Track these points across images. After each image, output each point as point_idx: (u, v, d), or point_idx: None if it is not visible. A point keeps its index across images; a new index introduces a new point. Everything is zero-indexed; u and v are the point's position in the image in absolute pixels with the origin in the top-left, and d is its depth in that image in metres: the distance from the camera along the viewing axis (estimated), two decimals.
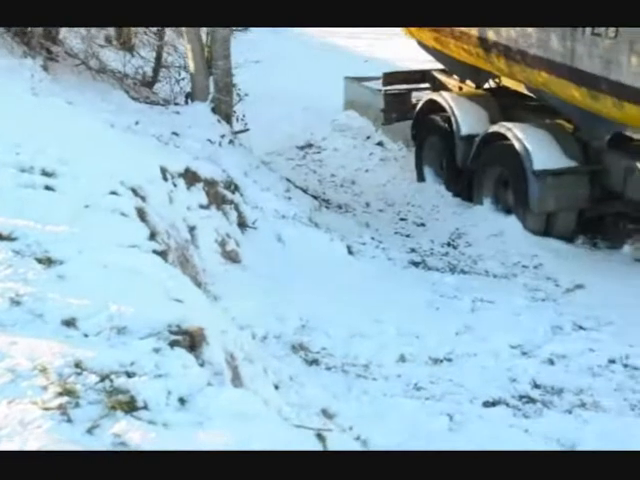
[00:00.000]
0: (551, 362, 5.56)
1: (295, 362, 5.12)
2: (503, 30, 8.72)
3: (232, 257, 6.35)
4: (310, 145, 11.28)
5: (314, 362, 5.23)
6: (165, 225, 5.19)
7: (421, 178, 10.23)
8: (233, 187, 7.29)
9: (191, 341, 3.20)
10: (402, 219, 9.09)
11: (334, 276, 6.38)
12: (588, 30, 7.60)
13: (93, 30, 9.66)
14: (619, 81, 7.39)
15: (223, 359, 3.41)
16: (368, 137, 11.28)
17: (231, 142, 8.74)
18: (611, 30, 7.34)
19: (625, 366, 5.59)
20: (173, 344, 3.07)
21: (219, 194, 6.94)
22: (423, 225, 8.93)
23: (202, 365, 3.11)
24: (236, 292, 5.64)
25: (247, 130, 9.54)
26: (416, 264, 7.54)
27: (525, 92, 9.53)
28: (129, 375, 2.72)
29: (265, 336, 5.28)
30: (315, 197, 9.19)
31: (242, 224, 6.90)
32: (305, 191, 9.22)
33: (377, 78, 11.54)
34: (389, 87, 11.27)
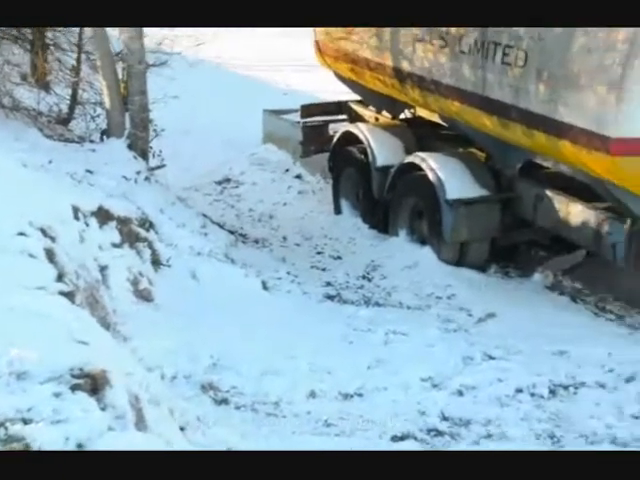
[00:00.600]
0: (460, 393, 5.64)
1: (204, 402, 5.10)
2: (417, 60, 8.91)
3: (145, 296, 6.32)
4: (228, 180, 11.25)
5: (223, 401, 5.22)
6: (74, 265, 5.16)
7: (338, 210, 10.32)
8: (148, 225, 7.25)
9: (93, 384, 3.19)
10: (319, 252, 9.15)
11: (248, 312, 6.38)
12: (498, 59, 7.81)
13: (6, 67, 9.59)
14: (528, 109, 7.61)
15: (127, 402, 3.40)
16: (287, 170, 11.31)
17: (147, 179, 8.66)
18: (520, 59, 7.57)
19: (532, 395, 5.71)
20: (74, 388, 3.06)
21: (133, 232, 6.91)
22: (339, 258, 8.99)
23: (104, 409, 3.11)
24: (147, 331, 5.60)
25: (163, 166, 9.49)
26: (331, 297, 7.60)
27: (439, 122, 9.73)
28: (25, 422, 2.72)
29: (175, 376, 5.26)
30: (232, 232, 9.19)
31: (156, 262, 6.87)
32: (222, 226, 9.22)
33: (295, 110, 11.62)
34: (307, 119, 11.38)
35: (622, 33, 6.69)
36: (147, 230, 7.17)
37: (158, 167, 9.45)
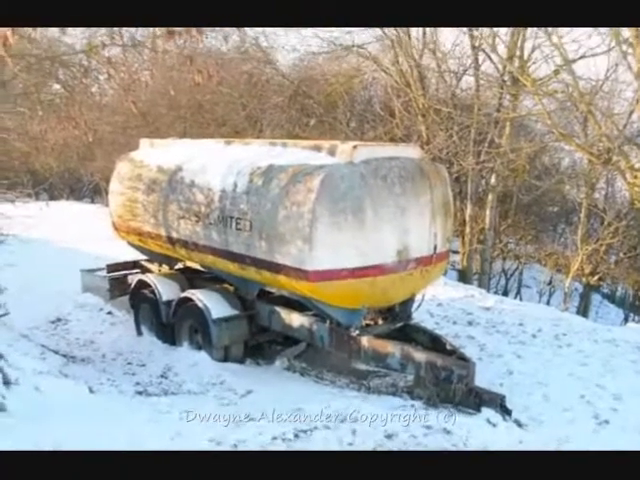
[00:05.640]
0: (235, 446, 5.41)
1: None
2: (181, 230, 8.89)
3: None
4: (59, 319, 10.51)
5: None
6: None
7: (139, 333, 9.93)
8: None
9: None
10: (129, 363, 8.66)
11: (80, 411, 5.85)
12: (234, 226, 7.93)
13: None
14: (256, 257, 7.75)
15: None
16: (101, 309, 10.80)
17: None
18: (247, 226, 7.73)
19: (283, 440, 5.59)
20: None
21: None
22: (144, 365, 8.53)
23: None
24: (1, 434, 4.99)
25: (7, 314, 8.66)
26: (140, 393, 7.17)
27: (201, 269, 9.67)
28: None
29: None
30: (64, 356, 8.53)
31: (7, 382, 6.10)
32: (56, 352, 8.54)
33: (103, 268, 11.22)
34: (112, 274, 11.04)
35: (308, 206, 7.02)
36: None
37: (2, 315, 8.63)
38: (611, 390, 7.31)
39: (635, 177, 13.40)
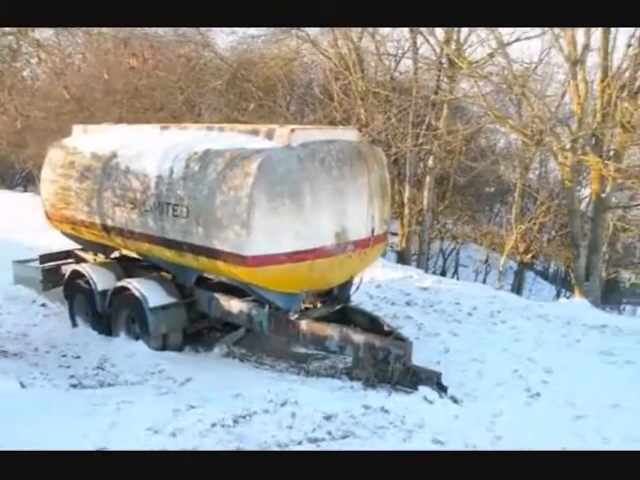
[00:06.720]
0: (174, 435, 5.36)
1: None
2: (117, 218, 8.69)
3: None
4: None
5: None
6: None
7: (74, 324, 9.67)
8: None
9: None
10: (63, 355, 8.38)
11: (10, 407, 5.64)
12: (170, 213, 7.80)
13: None
14: (194, 243, 7.65)
15: None
16: (34, 301, 10.43)
17: None
18: (184, 212, 7.62)
19: (222, 426, 5.60)
20: None
21: None
22: (79, 357, 8.28)
23: None
24: None
25: None
26: (75, 386, 6.99)
27: (138, 257, 9.48)
28: None
29: None
30: None
31: None
32: None
33: (36, 259, 10.86)
34: (45, 264, 10.70)
35: (245, 191, 6.95)
36: None
37: None
38: (542, 364, 7.55)
39: (565, 157, 13.81)
